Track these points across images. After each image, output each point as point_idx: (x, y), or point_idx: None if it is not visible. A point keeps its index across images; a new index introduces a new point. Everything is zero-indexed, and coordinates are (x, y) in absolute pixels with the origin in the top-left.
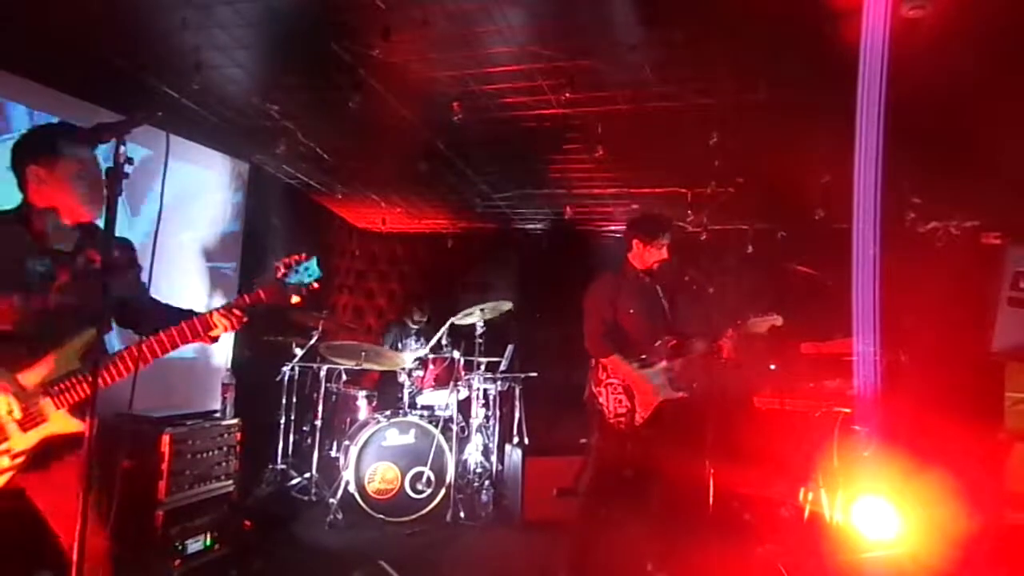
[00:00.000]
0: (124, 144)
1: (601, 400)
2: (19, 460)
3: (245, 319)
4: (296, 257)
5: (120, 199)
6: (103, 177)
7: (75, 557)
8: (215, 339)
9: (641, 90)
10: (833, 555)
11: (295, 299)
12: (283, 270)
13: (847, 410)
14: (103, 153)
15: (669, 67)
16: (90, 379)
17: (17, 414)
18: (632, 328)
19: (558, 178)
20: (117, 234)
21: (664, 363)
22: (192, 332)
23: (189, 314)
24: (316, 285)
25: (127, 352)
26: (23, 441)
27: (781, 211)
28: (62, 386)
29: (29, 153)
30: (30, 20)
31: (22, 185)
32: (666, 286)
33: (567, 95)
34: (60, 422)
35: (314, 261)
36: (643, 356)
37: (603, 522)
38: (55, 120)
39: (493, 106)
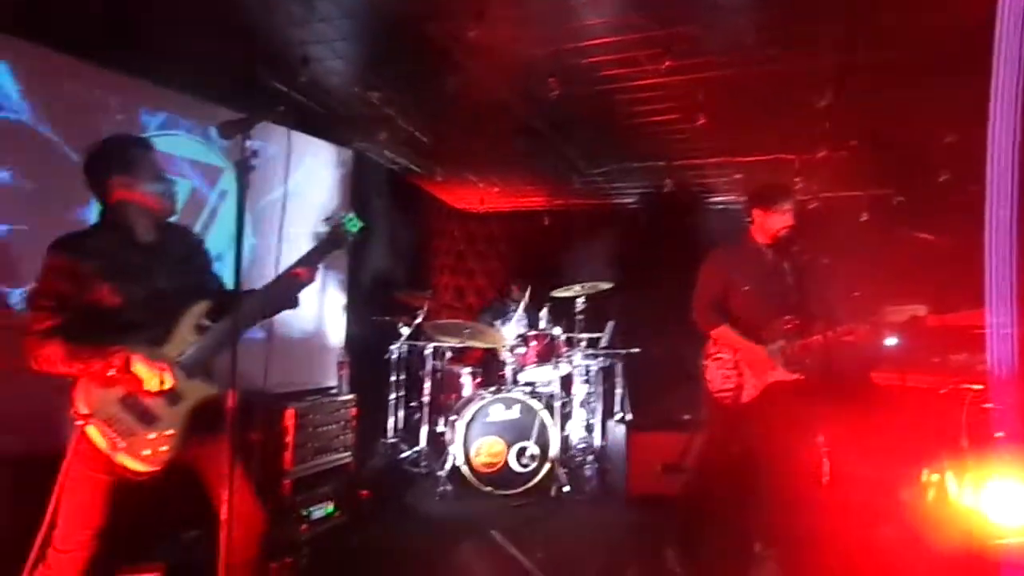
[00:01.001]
0: (249, 139)
1: (707, 375)
2: (179, 433)
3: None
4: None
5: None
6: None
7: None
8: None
9: (743, 54)
10: (960, 541)
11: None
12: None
13: (977, 387)
14: (226, 148)
15: (773, 28)
16: (212, 345)
17: (168, 384)
18: (746, 305)
19: (657, 150)
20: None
21: (782, 342)
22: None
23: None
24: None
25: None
26: (173, 413)
27: (899, 175)
28: (191, 355)
29: (115, 164)
30: (152, 24)
31: (106, 192)
32: (794, 262)
33: (665, 64)
34: (197, 391)
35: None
36: (758, 334)
37: (711, 499)
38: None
39: (589, 80)
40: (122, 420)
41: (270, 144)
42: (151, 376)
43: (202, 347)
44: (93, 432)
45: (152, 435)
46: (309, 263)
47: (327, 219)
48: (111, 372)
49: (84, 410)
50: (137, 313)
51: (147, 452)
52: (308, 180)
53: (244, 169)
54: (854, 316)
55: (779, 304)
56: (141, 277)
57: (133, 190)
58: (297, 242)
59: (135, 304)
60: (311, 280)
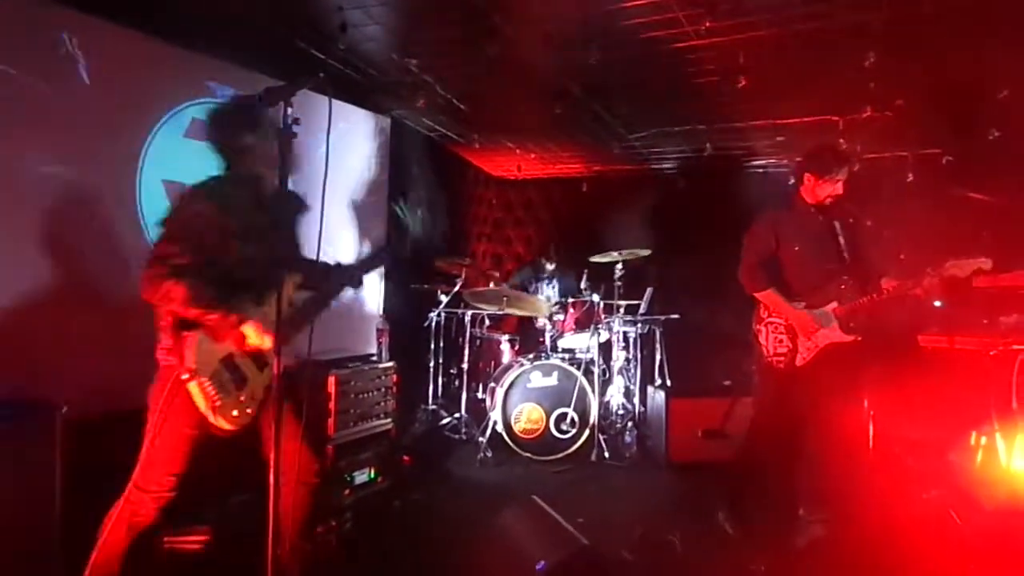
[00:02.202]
0: (291, 106)
1: (761, 339)
2: (261, 394)
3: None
4: None
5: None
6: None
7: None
8: None
9: (786, 11)
10: (1009, 503)
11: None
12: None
13: None
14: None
15: None
16: (302, 318)
17: (269, 346)
18: (797, 266)
19: (697, 113)
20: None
21: (834, 304)
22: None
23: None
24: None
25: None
26: (261, 379)
27: (947, 133)
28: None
29: (246, 122)
30: None
31: (237, 149)
32: (843, 223)
33: (707, 25)
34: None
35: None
36: (806, 297)
37: (762, 462)
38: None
39: (629, 43)
40: (222, 379)
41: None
42: (259, 338)
43: (291, 316)
44: (195, 389)
45: (242, 397)
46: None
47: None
48: (226, 327)
49: (191, 365)
50: (251, 272)
51: (235, 413)
52: (346, 148)
53: (286, 137)
54: (908, 275)
55: (831, 265)
56: (260, 238)
57: (261, 150)
58: (335, 212)
59: (251, 263)
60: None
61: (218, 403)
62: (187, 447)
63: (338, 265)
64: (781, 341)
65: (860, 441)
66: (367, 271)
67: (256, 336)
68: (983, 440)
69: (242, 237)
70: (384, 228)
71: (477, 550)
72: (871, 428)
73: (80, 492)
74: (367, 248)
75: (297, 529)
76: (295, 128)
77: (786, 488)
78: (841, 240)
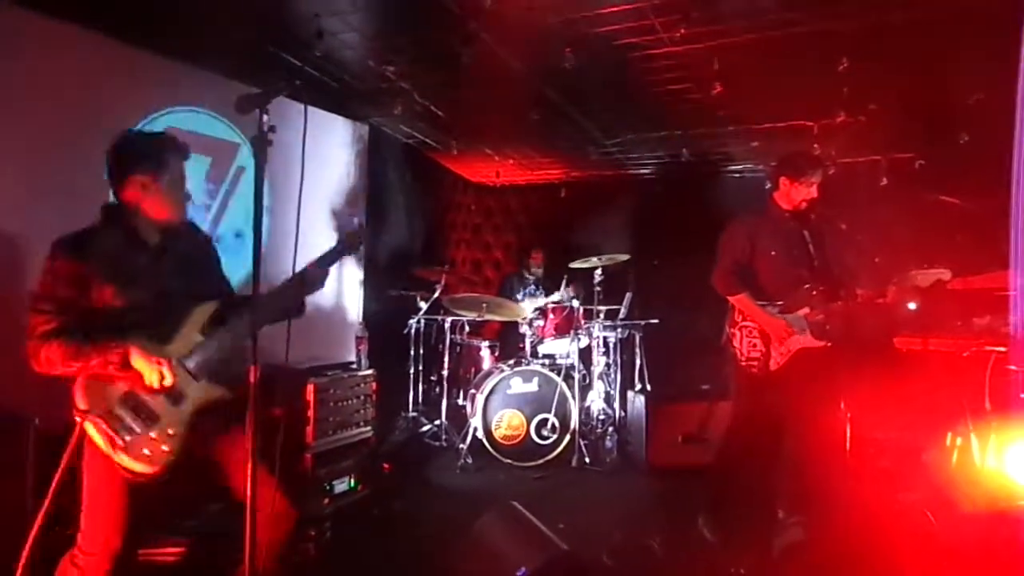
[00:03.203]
0: (267, 114)
1: (735, 343)
2: (181, 429)
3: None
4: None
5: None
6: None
7: (248, 504)
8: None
9: (759, 18)
10: (984, 503)
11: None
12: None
13: (1001, 349)
14: (243, 124)
15: None
16: (218, 346)
17: (168, 381)
18: (771, 271)
19: (673, 119)
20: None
21: (806, 310)
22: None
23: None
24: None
25: (241, 319)
26: (176, 413)
27: (920, 138)
28: (194, 355)
29: (137, 162)
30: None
31: (119, 188)
32: (813, 230)
33: (681, 31)
34: (201, 392)
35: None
36: (781, 301)
37: (739, 467)
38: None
39: (604, 49)
40: (122, 418)
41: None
42: (150, 370)
43: (207, 348)
44: (91, 430)
45: (153, 434)
46: (321, 265)
47: (340, 224)
48: (110, 368)
49: (83, 406)
50: (141, 314)
51: (147, 452)
52: (324, 156)
53: (262, 145)
54: (877, 282)
55: (802, 271)
56: (146, 278)
57: (148, 190)
58: (313, 221)
59: (139, 305)
60: (321, 284)
61: (120, 443)
62: (119, 499)
63: (269, 292)
64: (755, 345)
65: (837, 443)
66: (322, 268)
67: (148, 369)
68: (958, 441)
69: (116, 280)
70: (361, 232)
71: (457, 556)
72: (847, 430)
73: (52, 505)
74: (348, 256)
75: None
76: (270, 137)
77: (764, 491)
78: (812, 246)
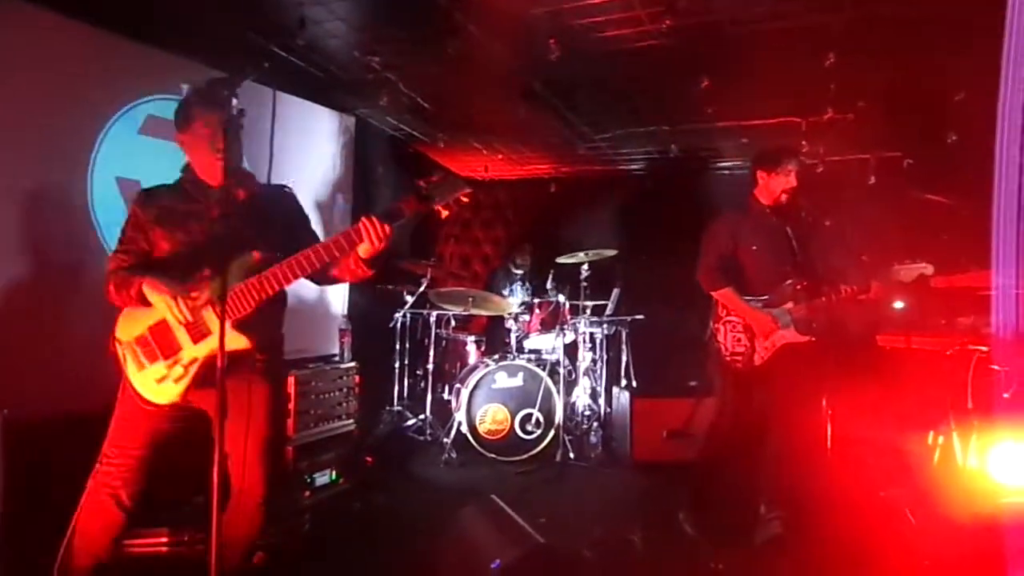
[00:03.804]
0: (236, 97)
1: (719, 338)
2: (193, 368)
3: (387, 232)
4: (435, 178)
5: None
6: (239, 129)
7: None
8: (364, 262)
9: (748, 10)
10: (966, 501)
11: (443, 211)
12: (425, 187)
13: (984, 348)
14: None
15: None
16: (251, 293)
17: (185, 317)
18: (755, 266)
19: (661, 114)
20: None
21: (791, 304)
22: (338, 247)
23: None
24: (465, 197)
25: (277, 268)
26: (194, 351)
27: (908, 136)
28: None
29: (176, 119)
30: None
31: (180, 138)
32: (796, 225)
33: (667, 23)
34: (227, 335)
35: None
36: (766, 296)
37: (722, 462)
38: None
39: (590, 40)
40: (146, 346)
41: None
42: (161, 303)
43: (237, 294)
44: (120, 356)
45: (168, 366)
46: (385, 218)
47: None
48: (133, 300)
49: (118, 335)
50: (188, 258)
51: (158, 382)
52: (309, 147)
53: (231, 129)
54: (862, 278)
55: (785, 266)
56: (197, 225)
57: (186, 145)
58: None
59: (185, 251)
60: (377, 241)
61: (138, 369)
62: (141, 424)
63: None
64: (739, 340)
65: (819, 440)
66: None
67: (157, 298)
68: (940, 440)
69: (169, 226)
70: (349, 225)
71: (433, 549)
72: (829, 427)
73: (20, 495)
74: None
75: (240, 549)
76: (241, 120)
77: (746, 487)
78: (794, 242)
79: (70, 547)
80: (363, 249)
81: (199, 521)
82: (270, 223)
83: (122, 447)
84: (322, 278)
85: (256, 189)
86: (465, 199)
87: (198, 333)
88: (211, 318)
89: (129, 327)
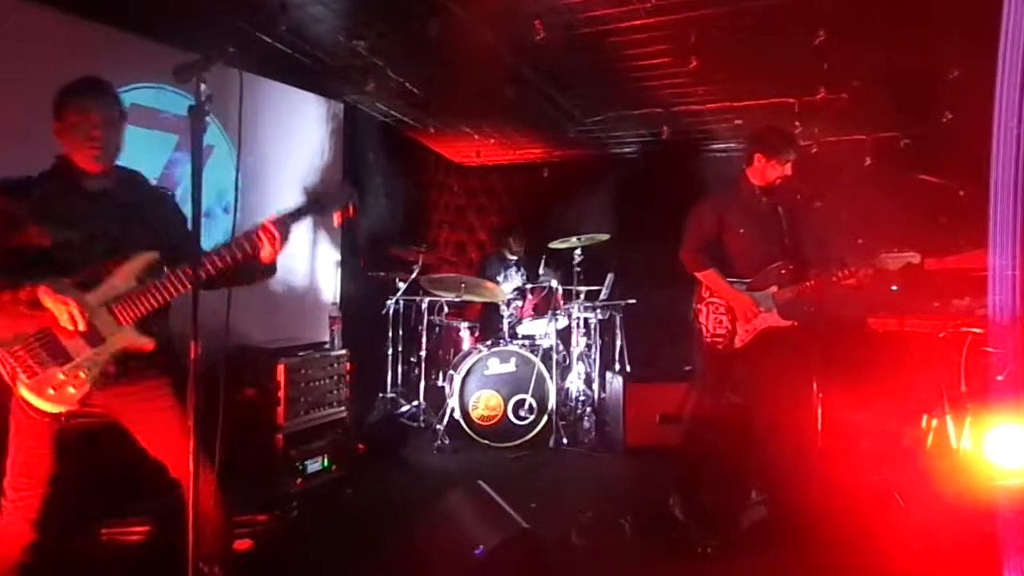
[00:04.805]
0: (204, 82)
1: (701, 319)
2: (93, 373)
3: (284, 236)
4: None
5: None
6: (118, 124)
7: (190, 495)
8: (268, 261)
9: None
10: (959, 484)
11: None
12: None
13: (977, 330)
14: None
15: None
16: (152, 295)
17: (82, 325)
18: (740, 248)
19: (652, 96)
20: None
21: (774, 288)
22: (241, 251)
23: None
24: (352, 211)
25: (178, 273)
26: (91, 358)
27: (903, 116)
28: (123, 302)
29: (55, 106)
30: None
31: (57, 131)
32: (787, 207)
33: (653, 2)
34: (127, 338)
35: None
36: (751, 279)
37: (708, 446)
38: None
39: (576, 21)
40: (31, 354)
41: (252, 96)
42: (58, 310)
43: (135, 295)
44: (4, 366)
45: (62, 374)
46: (282, 225)
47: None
48: (21, 306)
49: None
50: (70, 256)
51: (51, 390)
52: (297, 134)
53: (198, 114)
54: (855, 262)
55: (773, 248)
56: (79, 221)
57: (62, 136)
58: (287, 200)
59: (66, 247)
60: (277, 245)
61: (23, 377)
62: (43, 439)
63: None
64: (721, 322)
65: (808, 423)
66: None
67: (56, 307)
68: (934, 423)
69: (43, 221)
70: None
71: (418, 535)
72: (819, 411)
73: None
74: (324, 236)
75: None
76: (207, 106)
77: (735, 470)
78: (784, 224)
79: None
80: (264, 253)
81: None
82: (160, 220)
83: (31, 476)
84: (221, 282)
85: (140, 189)
86: (352, 209)
87: (95, 336)
88: (107, 321)
89: (4, 332)
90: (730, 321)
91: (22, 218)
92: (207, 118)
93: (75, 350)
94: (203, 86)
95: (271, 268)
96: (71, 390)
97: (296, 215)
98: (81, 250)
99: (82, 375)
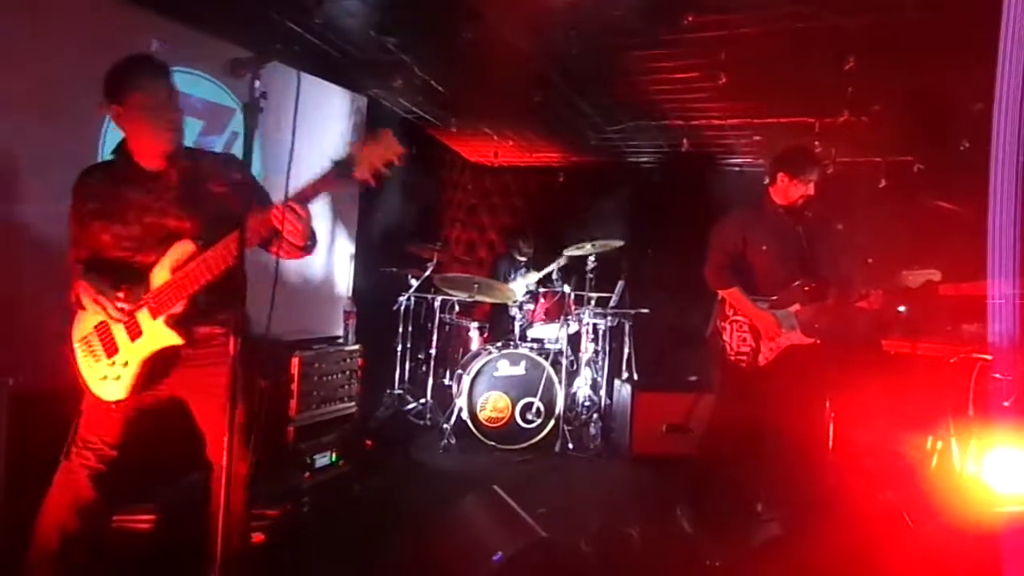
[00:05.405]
0: (259, 79)
1: (725, 336)
2: (133, 367)
3: (305, 214)
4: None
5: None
6: (177, 106)
7: (224, 477)
8: (294, 244)
9: (770, 10)
10: (961, 507)
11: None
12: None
13: (987, 357)
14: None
15: None
16: (181, 286)
17: (119, 319)
18: (763, 266)
19: (675, 108)
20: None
21: (797, 307)
22: (256, 233)
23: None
24: (397, 159)
25: (204, 256)
26: (135, 351)
27: (920, 142)
28: (156, 297)
29: (105, 93)
30: None
31: (115, 115)
32: (808, 227)
33: (688, 19)
34: (158, 333)
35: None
36: (774, 297)
37: (721, 460)
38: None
39: (608, 32)
40: (90, 346)
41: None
42: (92, 308)
43: (166, 289)
44: (72, 355)
45: (110, 365)
46: (302, 197)
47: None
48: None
49: (73, 333)
50: (127, 248)
51: (104, 380)
52: (319, 125)
53: (253, 111)
54: (869, 282)
55: (794, 267)
56: (135, 211)
57: (122, 118)
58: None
59: (127, 241)
60: (300, 215)
61: (83, 367)
62: (109, 416)
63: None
64: (744, 340)
65: (820, 441)
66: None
67: (88, 303)
68: (939, 445)
69: (107, 217)
70: (357, 207)
71: (434, 539)
72: (831, 429)
73: (24, 465)
74: (340, 230)
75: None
76: (261, 104)
77: (745, 485)
78: (804, 243)
79: (40, 524)
80: (287, 232)
81: (191, 500)
82: (212, 200)
83: (98, 434)
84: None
85: (200, 165)
86: (397, 162)
87: (135, 331)
88: (144, 318)
89: (78, 328)
90: (754, 339)
91: (88, 217)
92: (234, 105)
93: (121, 343)
94: (257, 83)
95: (309, 242)
96: (118, 380)
97: (315, 189)
98: (138, 247)
99: (126, 366)
